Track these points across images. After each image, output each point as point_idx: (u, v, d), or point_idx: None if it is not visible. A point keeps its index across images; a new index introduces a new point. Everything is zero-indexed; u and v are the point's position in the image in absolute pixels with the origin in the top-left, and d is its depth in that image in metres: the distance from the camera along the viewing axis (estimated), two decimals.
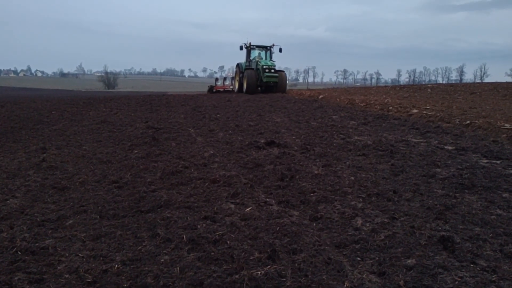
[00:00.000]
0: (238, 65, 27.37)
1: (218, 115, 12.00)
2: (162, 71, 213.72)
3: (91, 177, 5.43)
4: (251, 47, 26.31)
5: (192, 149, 7.07)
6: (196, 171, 5.59)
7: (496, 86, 22.53)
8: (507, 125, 9.62)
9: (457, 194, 4.57)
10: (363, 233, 3.51)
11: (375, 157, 6.58)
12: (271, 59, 26.17)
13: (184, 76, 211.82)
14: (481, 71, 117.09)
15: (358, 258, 3.07)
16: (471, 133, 9.05)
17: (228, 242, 3.28)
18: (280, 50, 25.94)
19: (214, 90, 28.72)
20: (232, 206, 4.20)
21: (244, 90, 24.54)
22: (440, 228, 3.57)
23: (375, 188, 4.79)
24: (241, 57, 28.25)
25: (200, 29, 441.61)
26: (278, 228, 3.57)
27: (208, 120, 11.05)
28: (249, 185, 4.88)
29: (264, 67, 24.30)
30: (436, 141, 8.07)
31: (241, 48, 26.24)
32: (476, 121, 10.34)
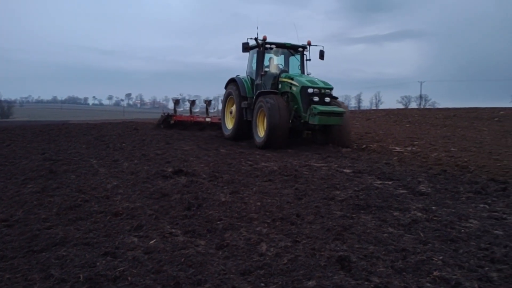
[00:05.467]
0: (233, 82, 13.40)
1: (124, 144, 11.56)
2: (63, 98, 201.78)
3: None
4: (268, 45, 12.49)
5: (94, 181, 6.71)
6: (97, 204, 5.31)
7: (388, 112, 24.62)
8: (397, 148, 10.55)
9: (354, 215, 4.87)
10: (267, 258, 3.57)
11: (280, 182, 6.78)
12: (303, 72, 13.00)
13: (88, 104, 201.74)
14: (376, 98, 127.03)
15: (262, 284, 3.12)
16: (367, 156, 9.77)
17: (129, 278, 3.14)
18: (322, 55, 12.83)
19: (173, 122, 16.53)
20: (135, 239, 4.04)
21: (261, 138, 11.42)
22: (338, 249, 3.76)
23: (279, 213, 4.92)
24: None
25: (106, 55, 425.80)
26: (183, 259, 3.51)
27: (112, 150, 10.59)
28: (154, 217, 4.74)
29: (310, 90, 11.09)
30: (336, 165, 8.56)
31: (245, 48, 12.26)
32: (371, 145, 11.20)
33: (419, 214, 5.03)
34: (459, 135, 13.49)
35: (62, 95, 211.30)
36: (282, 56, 13.37)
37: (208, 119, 16.59)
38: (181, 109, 19.20)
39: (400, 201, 5.65)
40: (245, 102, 12.64)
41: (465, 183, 6.90)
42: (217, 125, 15.53)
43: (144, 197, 5.68)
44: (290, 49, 13.11)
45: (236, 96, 13.02)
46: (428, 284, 3.13)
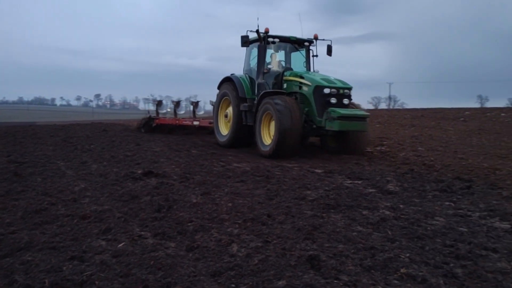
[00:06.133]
0: (229, 81, 11.92)
1: (92, 146, 11.33)
2: (29, 99, 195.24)
3: None
4: (270, 39, 11.02)
5: (61, 183, 6.54)
6: (64, 207, 5.17)
7: None
8: (367, 148, 10.71)
9: (324, 214, 4.92)
10: (238, 259, 3.56)
11: (252, 182, 6.79)
12: (309, 69, 11.71)
13: (55, 105, 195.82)
14: None
15: (233, 285, 3.10)
16: (338, 156, 9.88)
17: (97, 282, 3.07)
18: (329, 51, 11.47)
19: (155, 125, 15.40)
20: (103, 243, 3.96)
21: (267, 146, 9.88)
22: (308, 248, 3.79)
23: (251, 213, 4.92)
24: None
25: (74, 56, 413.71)
26: (152, 262, 3.45)
27: (81, 151, 10.36)
28: (123, 219, 4.66)
29: (326, 90, 9.67)
30: (308, 165, 8.64)
31: (244, 42, 10.85)
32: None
33: (387, 212, 5.14)
34: (426, 134, 13.85)
35: (28, 96, 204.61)
36: (283, 52, 11.94)
37: (196, 123, 14.69)
38: (164, 111, 16.83)
39: (369, 200, 5.75)
40: (245, 104, 11.11)
41: (432, 182, 7.09)
42: (206, 129, 14.29)
43: (113, 200, 5.58)
44: (295, 44, 11.67)
45: (233, 97, 11.51)
46: (396, 281, 3.19)
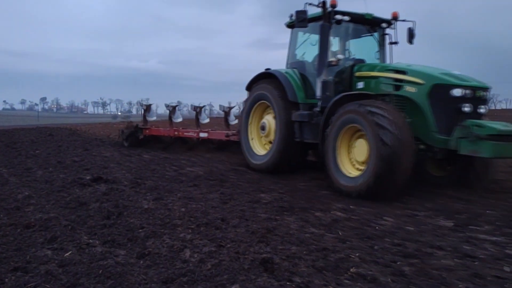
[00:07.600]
0: (268, 77, 8.47)
1: (37, 151, 10.85)
2: None
3: None
4: (339, 17, 7.38)
5: (3, 191, 6.19)
6: (7, 216, 4.90)
7: None
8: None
9: (278, 217, 4.96)
10: (191, 264, 3.50)
11: (206, 186, 6.72)
12: (383, 60, 8.35)
13: None
14: None
15: None
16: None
17: None
18: (411, 36, 8.13)
19: (142, 137, 12.28)
20: (49, 252, 3.77)
21: (356, 179, 6.13)
22: (262, 251, 3.79)
23: (204, 218, 4.86)
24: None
25: (18, 57, 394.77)
26: (101, 271, 3.33)
27: (25, 157, 9.88)
28: (70, 227, 4.46)
29: (456, 92, 6.09)
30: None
31: (301, 20, 7.27)
32: None
33: (339, 213, 5.24)
34: None
35: None
36: (337, 38, 8.31)
37: (202, 134, 11.06)
38: (154, 118, 13.20)
39: (322, 201, 5.85)
40: (302, 112, 7.77)
41: None
42: (213, 143, 11.29)
43: (59, 207, 5.35)
44: (368, 25, 8.19)
45: (277, 102, 8.09)
46: (347, 281, 3.25)
